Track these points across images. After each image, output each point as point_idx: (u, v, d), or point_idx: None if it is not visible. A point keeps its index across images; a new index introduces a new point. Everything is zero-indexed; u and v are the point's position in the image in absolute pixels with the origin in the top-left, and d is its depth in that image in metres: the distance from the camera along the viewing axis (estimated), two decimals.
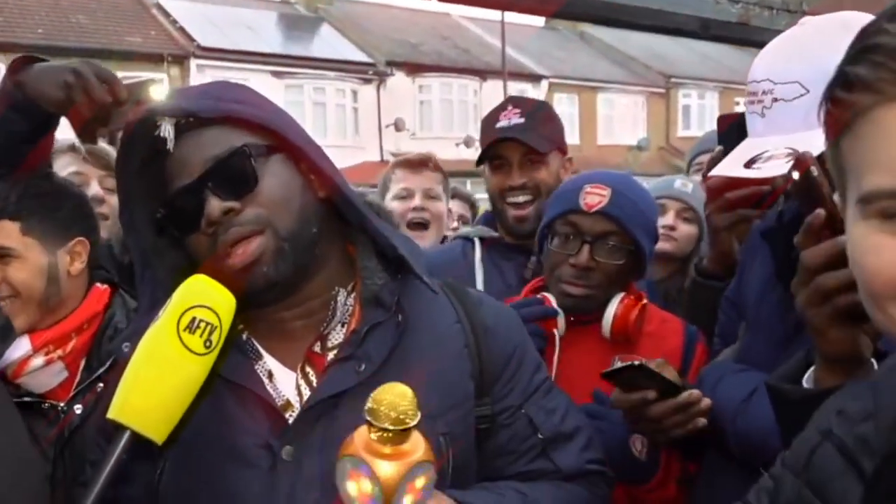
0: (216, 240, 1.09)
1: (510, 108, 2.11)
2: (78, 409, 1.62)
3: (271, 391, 1.13)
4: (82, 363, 1.65)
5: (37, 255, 1.61)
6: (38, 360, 1.60)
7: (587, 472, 1.27)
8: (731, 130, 1.63)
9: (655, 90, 26.34)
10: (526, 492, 1.18)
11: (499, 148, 2.09)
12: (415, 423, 0.90)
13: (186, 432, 1.02)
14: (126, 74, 1.62)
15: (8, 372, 1.59)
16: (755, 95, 1.36)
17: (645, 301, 1.75)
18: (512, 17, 20.32)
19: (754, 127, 1.37)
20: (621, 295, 1.71)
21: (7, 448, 1.27)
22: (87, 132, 1.54)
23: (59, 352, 1.62)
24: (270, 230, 1.09)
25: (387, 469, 0.90)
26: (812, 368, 1.03)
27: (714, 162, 1.67)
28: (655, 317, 1.78)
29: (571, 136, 22.55)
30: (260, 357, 1.16)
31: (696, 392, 1.40)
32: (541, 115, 2.15)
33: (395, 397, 0.90)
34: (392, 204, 2.71)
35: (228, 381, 1.11)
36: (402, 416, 0.89)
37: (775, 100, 1.31)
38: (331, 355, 1.15)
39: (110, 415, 0.95)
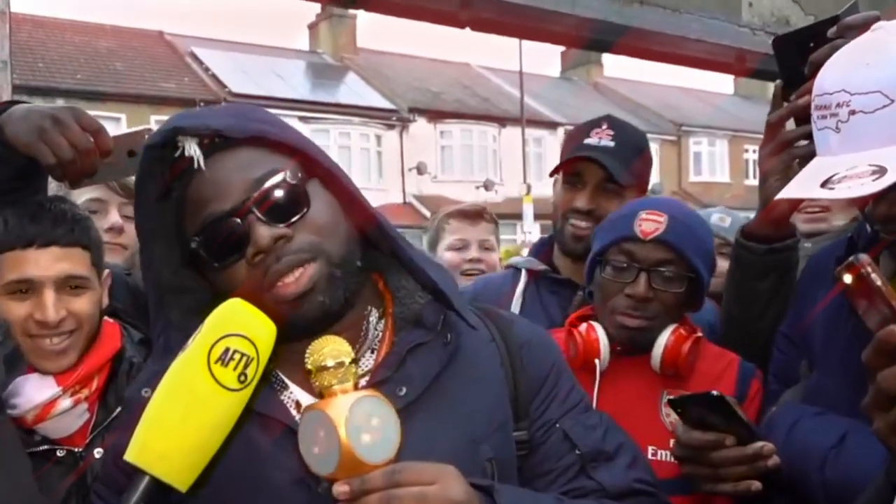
0: (264, 270, 0.96)
1: (605, 126, 1.93)
2: (98, 452, 1.43)
3: (300, 421, 1.00)
4: (98, 403, 1.47)
5: (97, 287, 1.46)
6: (67, 402, 1.41)
7: (637, 491, 1.11)
8: (789, 48, 1.49)
9: (667, 138, 26.38)
10: (565, 500, 1.04)
11: (579, 164, 1.92)
12: (346, 361, 0.88)
13: (213, 469, 0.90)
14: (160, 118, 1.50)
15: (29, 417, 1.40)
16: (827, 109, 1.19)
17: (699, 334, 1.59)
18: (529, 67, 20.48)
19: (827, 144, 1.20)
20: (674, 326, 1.56)
21: (12, 496, 1.12)
22: (71, 185, 1.38)
23: (86, 391, 1.44)
24: (323, 257, 0.97)
25: (332, 403, 0.85)
26: None
27: (776, 100, 1.52)
28: (710, 352, 1.62)
29: None
30: (286, 387, 1.04)
31: (770, 445, 1.23)
32: (633, 144, 1.97)
33: (332, 344, 0.89)
34: (446, 255, 2.64)
35: (255, 412, 0.99)
36: (339, 356, 0.88)
37: (853, 112, 1.14)
38: (363, 382, 1.02)
39: (128, 456, 0.83)
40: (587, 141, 1.91)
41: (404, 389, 0.99)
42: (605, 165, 1.86)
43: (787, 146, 1.53)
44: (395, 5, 2.62)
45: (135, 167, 1.47)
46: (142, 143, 1.44)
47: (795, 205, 1.58)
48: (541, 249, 2.11)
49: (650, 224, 1.54)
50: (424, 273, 1.06)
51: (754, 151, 27.70)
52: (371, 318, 1.06)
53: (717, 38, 2.55)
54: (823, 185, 1.14)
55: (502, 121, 22.76)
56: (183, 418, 0.83)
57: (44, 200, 1.45)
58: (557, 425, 1.10)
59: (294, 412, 1.02)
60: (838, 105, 1.17)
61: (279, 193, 0.97)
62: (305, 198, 0.98)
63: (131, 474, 0.85)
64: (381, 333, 1.06)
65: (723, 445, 1.24)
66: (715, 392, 1.24)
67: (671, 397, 1.31)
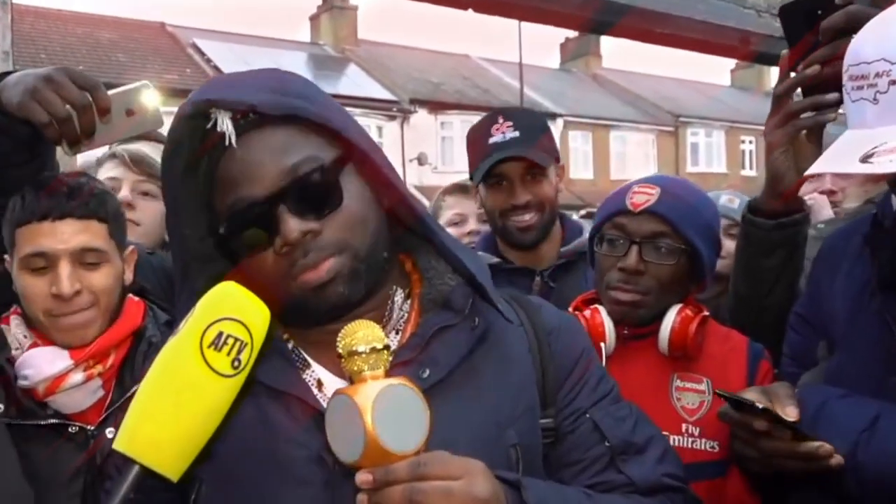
0: (290, 262, 0.92)
1: (501, 120, 1.92)
2: (110, 432, 1.38)
3: (322, 401, 0.96)
4: (114, 381, 1.42)
5: (117, 261, 1.42)
6: (78, 376, 1.37)
7: (666, 486, 1.07)
8: (796, 17, 1.43)
9: (665, 129, 26.31)
10: (591, 493, 1.00)
11: (497, 168, 1.89)
12: (380, 347, 0.85)
13: (225, 447, 0.87)
14: (163, 109, 1.41)
15: (40, 388, 1.37)
16: (864, 79, 1.11)
17: (706, 313, 1.53)
18: (529, 59, 20.35)
19: (863, 116, 1.12)
20: (679, 306, 1.50)
21: None
22: (70, 144, 1.31)
23: (100, 367, 1.39)
24: (349, 251, 0.94)
25: (360, 390, 0.82)
26: None
27: (783, 71, 1.46)
28: (716, 333, 1.57)
29: (586, 172, 22.85)
30: (308, 366, 1.00)
31: (828, 446, 1.14)
32: (536, 125, 1.96)
33: (365, 329, 0.86)
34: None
35: (274, 389, 0.95)
36: (372, 342, 0.85)
37: (893, 82, 1.06)
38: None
39: (116, 445, 0.78)
40: (493, 140, 1.89)
41: (427, 371, 0.95)
42: (528, 158, 1.85)
43: (793, 117, 1.46)
44: None
45: (135, 128, 1.42)
46: (140, 101, 1.38)
47: (804, 179, 1.50)
48: (489, 243, 2.08)
49: (641, 196, 1.50)
50: (459, 260, 1.01)
51: (751, 142, 27.97)
52: (396, 299, 1.02)
53: (723, 19, 2.48)
54: (864, 159, 1.06)
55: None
56: (174, 405, 0.79)
57: (62, 175, 1.41)
58: (587, 415, 1.06)
59: (315, 391, 0.98)
60: (877, 75, 1.09)
61: (312, 185, 0.92)
62: (339, 192, 0.93)
63: (121, 464, 0.80)
64: (406, 314, 1.02)
65: (751, 426, 1.18)
66: (760, 405, 1.17)
67: (717, 390, 1.25)
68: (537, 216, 1.93)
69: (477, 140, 1.95)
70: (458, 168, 21.61)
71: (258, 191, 0.91)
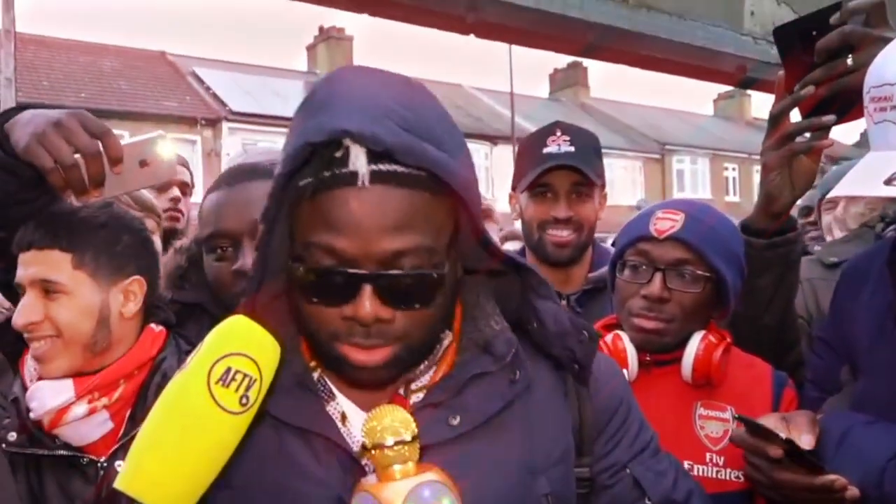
0: (348, 329, 0.83)
1: (559, 133, 1.87)
2: (119, 465, 1.31)
3: (345, 435, 0.89)
4: (128, 414, 1.35)
5: (87, 293, 1.31)
6: (81, 409, 1.30)
7: None
8: (791, 38, 1.42)
9: (651, 156, 26.56)
10: None
11: (546, 176, 1.84)
12: (408, 439, 0.78)
13: (241, 477, 0.83)
14: (149, 134, 1.33)
15: (45, 421, 1.30)
16: (888, 101, 1.08)
17: (729, 340, 1.46)
18: (519, 88, 20.51)
19: (886, 137, 1.08)
20: (703, 332, 1.44)
21: None
22: (76, 192, 1.21)
23: (105, 400, 1.31)
24: (407, 342, 0.85)
25: (386, 490, 0.76)
26: None
27: (779, 92, 1.43)
28: (740, 360, 1.51)
29: None
30: (333, 397, 0.92)
31: (842, 480, 1.09)
32: (591, 145, 1.92)
33: (392, 415, 0.79)
34: None
35: (295, 427, 0.89)
36: (400, 434, 0.78)
37: None
38: (413, 398, 0.91)
39: (118, 484, 0.73)
40: (547, 150, 1.84)
41: (458, 419, 0.88)
42: (578, 169, 1.80)
43: (790, 139, 1.44)
44: (403, 9, 2.49)
45: (148, 179, 1.33)
46: (155, 151, 1.29)
47: (796, 197, 1.49)
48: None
49: (665, 222, 1.43)
50: (551, 317, 0.94)
51: (734, 169, 28.30)
52: (444, 343, 0.93)
53: (720, 45, 2.46)
54: (888, 182, 1.02)
55: (494, 139, 22.80)
56: (179, 443, 0.74)
57: (68, 206, 1.34)
58: (627, 470, 0.99)
59: (339, 424, 0.90)
60: None
61: (408, 283, 0.82)
62: (432, 298, 0.84)
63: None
64: (442, 352, 0.93)
65: (764, 452, 1.13)
66: (783, 435, 1.11)
67: (737, 414, 1.20)
68: (575, 235, 1.87)
69: (530, 148, 1.90)
70: None
71: (354, 256, 0.80)
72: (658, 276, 1.42)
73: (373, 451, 0.78)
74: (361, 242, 0.80)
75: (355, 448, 0.87)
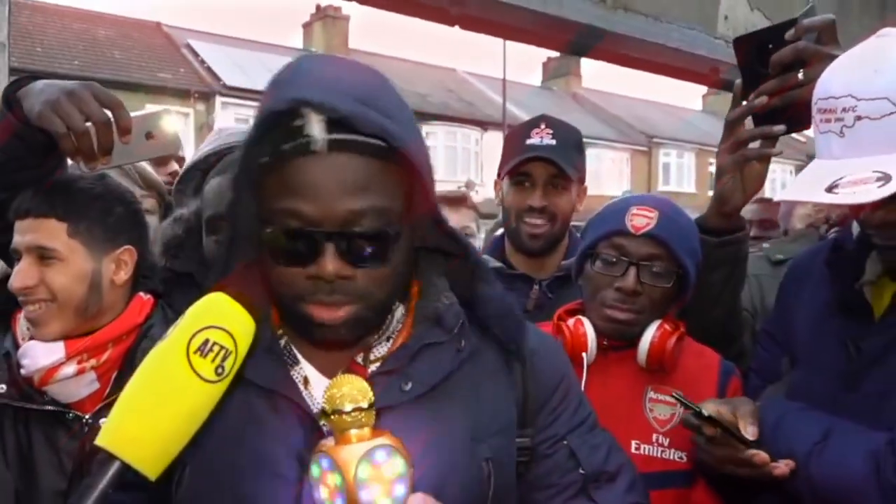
0: (312, 288, 0.90)
1: (543, 126, 1.93)
2: (103, 422, 1.37)
3: (307, 398, 0.96)
4: (114, 375, 1.42)
5: (81, 260, 1.38)
6: (70, 369, 1.37)
7: None
8: (749, 50, 1.48)
9: (639, 148, 26.59)
10: None
11: (526, 165, 1.91)
12: (365, 406, 0.83)
13: (210, 438, 0.87)
14: (155, 107, 1.39)
15: (35, 378, 1.37)
16: (832, 113, 1.14)
17: (683, 330, 1.54)
18: (512, 75, 20.46)
19: (829, 148, 1.15)
20: (659, 322, 1.51)
21: None
22: (86, 159, 1.27)
23: (93, 361, 1.38)
24: (368, 301, 0.92)
25: (343, 451, 0.81)
26: None
27: (735, 100, 1.51)
28: (691, 349, 1.58)
29: None
30: (297, 362, 0.99)
31: (763, 455, 1.17)
32: (573, 141, 1.98)
33: (350, 385, 0.83)
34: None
35: (261, 387, 0.95)
36: (357, 401, 0.82)
37: (859, 118, 1.09)
38: (372, 367, 0.98)
39: (99, 441, 0.78)
40: (530, 141, 1.91)
41: (410, 385, 0.95)
42: (554, 162, 1.86)
43: (743, 145, 1.51)
44: (395, 1, 2.53)
45: (153, 151, 1.39)
46: (161, 126, 1.36)
47: (746, 200, 1.56)
48: (496, 247, 2.09)
49: (641, 219, 1.49)
50: (483, 297, 1.01)
51: None
52: (396, 314, 1.01)
53: (694, 48, 2.52)
54: (829, 189, 1.09)
55: (485, 125, 22.72)
56: (157, 406, 0.79)
57: (72, 175, 1.40)
58: (565, 441, 1.06)
59: (302, 388, 0.97)
60: (844, 110, 1.11)
61: (367, 240, 0.89)
62: (388, 255, 0.90)
63: (103, 459, 0.79)
64: (400, 324, 1.01)
65: (702, 432, 1.21)
66: (706, 411, 1.19)
67: (674, 395, 1.27)
68: (548, 225, 1.93)
69: (515, 138, 1.97)
70: (440, 177, 21.51)
71: (316, 218, 0.87)
72: (632, 271, 1.47)
73: (332, 416, 0.83)
74: (322, 205, 0.86)
75: (315, 410, 0.94)
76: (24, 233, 1.35)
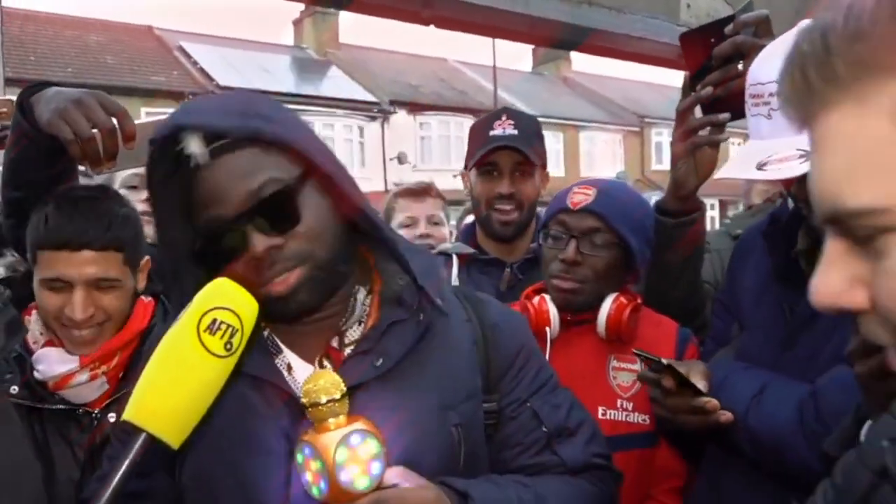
0: (258, 273, 0.99)
1: (504, 118, 2.02)
2: (111, 417, 1.47)
3: (290, 383, 1.05)
4: (120, 375, 1.50)
5: (130, 281, 1.47)
6: (84, 376, 1.45)
7: (593, 465, 1.17)
8: (694, 43, 1.57)
9: (631, 129, 26.54)
10: (528, 483, 1.09)
11: (492, 155, 2.00)
12: (338, 397, 0.91)
13: (209, 426, 0.94)
14: (150, 110, 1.48)
15: (49, 383, 1.46)
16: (760, 98, 1.24)
17: (639, 301, 1.63)
18: (503, 62, 20.38)
19: (759, 129, 1.25)
20: (615, 294, 1.61)
21: (2, 451, 1.14)
22: (91, 163, 1.35)
23: (104, 367, 1.47)
24: (310, 262, 1.01)
25: (321, 439, 0.89)
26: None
27: (685, 91, 1.59)
28: (650, 318, 1.67)
29: (557, 170, 22.95)
30: (280, 352, 1.09)
31: (714, 402, 1.27)
32: (533, 130, 2.07)
33: (324, 379, 0.92)
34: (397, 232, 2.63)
35: (250, 375, 1.03)
36: (332, 394, 0.91)
37: None
38: (348, 350, 1.07)
39: (126, 416, 0.86)
40: (493, 133, 2.00)
41: (381, 360, 1.03)
42: (519, 150, 1.95)
43: (693, 133, 1.59)
44: (370, 6, 2.64)
45: None
46: None
47: (699, 183, 1.64)
48: (468, 234, 2.18)
49: (580, 196, 1.62)
50: (406, 263, 1.09)
51: None
52: (358, 296, 1.09)
53: (658, 36, 2.59)
54: (760, 167, 1.19)
55: (477, 113, 22.47)
56: (175, 381, 0.86)
57: (83, 195, 1.43)
58: (528, 404, 1.14)
59: (286, 373, 1.06)
60: (770, 94, 1.21)
61: (274, 206, 0.99)
62: (298, 210, 1.00)
63: (124, 437, 0.88)
64: (368, 308, 1.10)
65: (660, 384, 1.30)
66: (665, 360, 1.29)
67: (636, 350, 1.37)
68: (517, 213, 2.02)
69: (479, 131, 2.05)
70: (436, 166, 21.55)
71: (227, 212, 0.98)
72: (573, 243, 1.59)
73: (310, 409, 0.92)
74: (225, 199, 0.99)
75: (299, 394, 1.01)
76: (83, 266, 1.38)
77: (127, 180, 2.09)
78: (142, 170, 2.06)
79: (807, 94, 0.49)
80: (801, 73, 0.49)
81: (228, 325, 0.88)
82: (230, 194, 0.98)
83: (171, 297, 1.11)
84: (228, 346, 0.88)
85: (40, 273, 1.42)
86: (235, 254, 0.99)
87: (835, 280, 0.51)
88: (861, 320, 0.52)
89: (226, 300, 0.90)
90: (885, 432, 0.64)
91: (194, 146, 0.97)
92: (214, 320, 0.88)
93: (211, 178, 0.99)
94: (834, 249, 0.51)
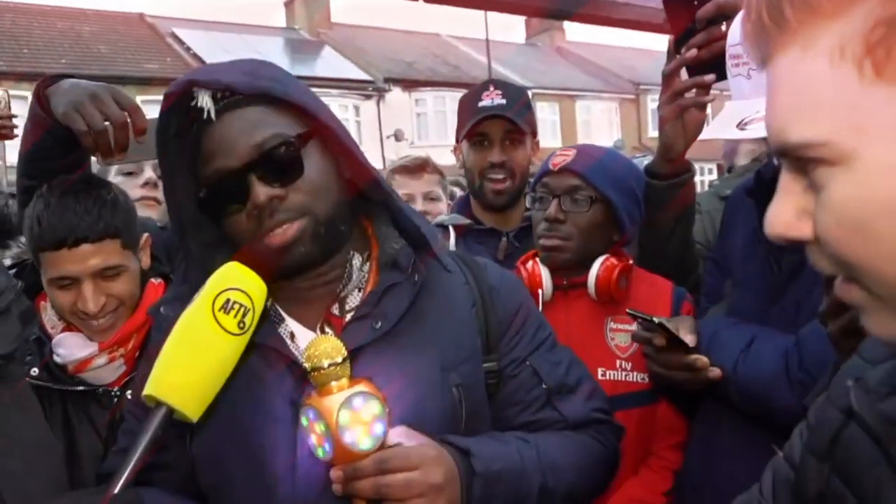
0: (259, 223, 1.03)
1: (492, 88, 2.04)
2: (129, 394, 1.51)
3: (294, 350, 1.08)
4: (136, 355, 1.54)
5: (133, 263, 1.50)
6: (102, 360, 1.50)
7: (594, 420, 1.20)
8: (678, 7, 1.58)
9: (627, 97, 26.32)
10: (530, 438, 1.12)
11: (482, 125, 2.01)
12: (339, 360, 0.91)
13: (219, 396, 0.97)
14: (146, 98, 1.50)
15: (69, 367, 1.50)
16: (740, 58, 1.25)
17: (630, 262, 1.66)
18: (496, 35, 20.19)
19: (740, 89, 1.26)
20: (604, 256, 1.64)
21: (23, 431, 1.19)
22: (103, 154, 1.39)
23: (122, 350, 1.51)
24: (311, 216, 1.04)
25: (324, 402, 0.91)
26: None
27: (670, 54, 1.61)
28: (644, 278, 1.70)
29: (554, 140, 22.82)
30: (282, 320, 1.12)
31: (704, 359, 1.31)
32: (521, 98, 2.09)
33: (326, 344, 0.92)
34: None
35: (255, 344, 1.06)
36: (333, 357, 0.91)
37: None
38: (349, 317, 1.10)
39: (147, 391, 0.89)
40: (482, 104, 2.01)
41: (380, 323, 1.06)
42: (508, 118, 1.97)
43: (679, 95, 1.60)
44: None
45: None
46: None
47: (688, 145, 1.66)
48: (463, 205, 2.20)
49: (560, 158, 1.67)
50: (412, 221, 1.12)
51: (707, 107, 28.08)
52: (354, 262, 1.12)
53: (645, 0, 2.58)
54: (740, 126, 1.20)
55: (472, 87, 22.52)
56: (192, 358, 0.90)
57: (69, 189, 1.44)
58: (527, 362, 1.17)
59: (289, 341, 1.09)
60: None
61: (277, 157, 1.02)
62: (300, 163, 1.03)
63: (141, 414, 0.91)
64: (366, 274, 1.12)
65: (651, 342, 1.34)
66: (656, 319, 1.32)
67: (630, 310, 1.39)
68: (510, 181, 2.03)
69: (468, 103, 2.07)
70: (433, 142, 21.46)
71: (232, 162, 1.02)
72: (555, 202, 1.63)
73: (313, 373, 0.93)
74: (231, 151, 1.02)
75: (302, 360, 1.03)
76: (85, 260, 1.40)
77: (122, 167, 2.12)
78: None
79: (763, 38, 0.52)
80: (758, 16, 0.52)
81: (241, 305, 0.93)
82: (237, 146, 1.02)
83: (176, 259, 1.13)
84: (241, 325, 0.92)
85: (47, 274, 1.45)
86: (239, 201, 1.02)
87: (785, 212, 0.54)
88: (808, 251, 0.55)
89: (237, 281, 0.94)
90: (851, 373, 0.67)
91: (207, 101, 1.02)
92: (228, 300, 0.92)
93: (219, 132, 1.03)
94: (786, 183, 0.54)
